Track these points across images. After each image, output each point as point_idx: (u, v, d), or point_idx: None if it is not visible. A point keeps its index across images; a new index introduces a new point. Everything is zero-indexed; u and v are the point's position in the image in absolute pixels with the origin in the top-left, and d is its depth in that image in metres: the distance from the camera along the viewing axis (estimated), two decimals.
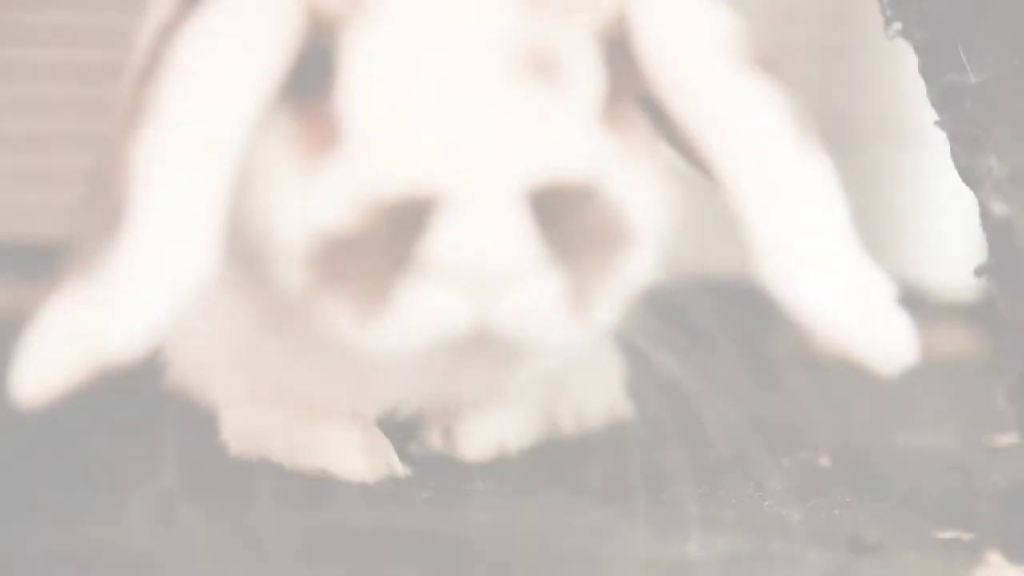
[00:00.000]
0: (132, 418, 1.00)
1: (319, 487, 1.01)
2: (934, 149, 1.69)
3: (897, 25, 1.04)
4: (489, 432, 1.10)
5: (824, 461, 1.15)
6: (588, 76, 0.84)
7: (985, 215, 0.96)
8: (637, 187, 0.85)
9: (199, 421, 1.07)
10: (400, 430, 1.08)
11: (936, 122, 1.00)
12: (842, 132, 1.75)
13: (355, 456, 1.03)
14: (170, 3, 0.88)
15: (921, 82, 1.01)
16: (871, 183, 1.78)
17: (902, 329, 0.85)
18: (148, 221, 0.78)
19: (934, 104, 1.00)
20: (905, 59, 1.02)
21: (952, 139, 1.00)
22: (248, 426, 1.06)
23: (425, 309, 0.80)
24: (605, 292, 0.83)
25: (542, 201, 0.79)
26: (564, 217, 0.80)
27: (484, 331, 0.81)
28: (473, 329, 0.82)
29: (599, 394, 1.21)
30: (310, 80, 0.84)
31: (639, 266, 0.86)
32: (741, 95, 0.85)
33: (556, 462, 1.10)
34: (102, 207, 0.80)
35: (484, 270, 0.79)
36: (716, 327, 1.53)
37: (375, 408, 1.05)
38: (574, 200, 0.81)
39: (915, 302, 1.60)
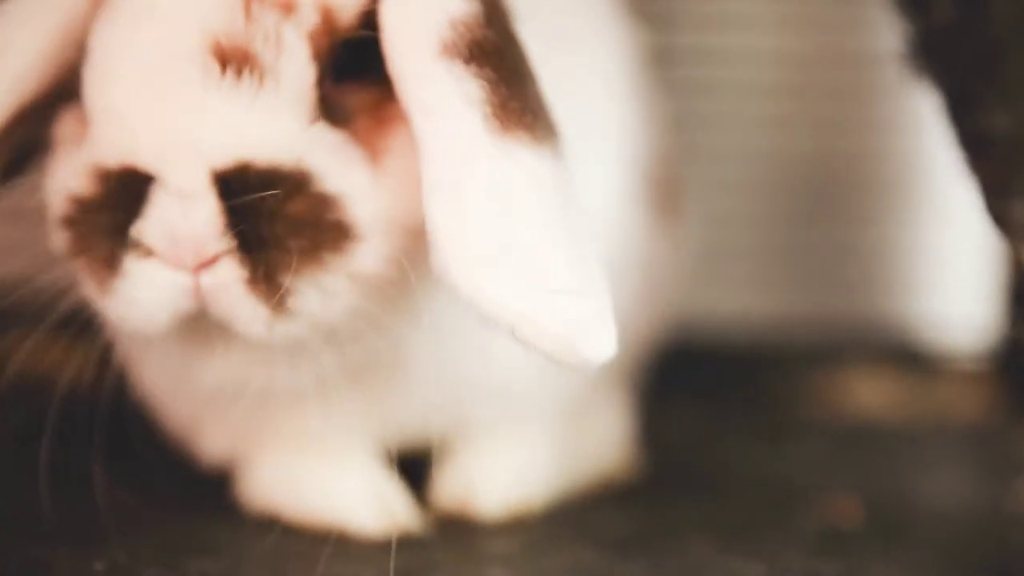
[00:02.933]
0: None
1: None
2: (949, 194, 1.73)
3: (921, 68, 1.03)
4: (506, 487, 1.07)
5: (848, 518, 1.12)
6: (291, 67, 0.87)
7: (1018, 261, 0.94)
8: (365, 183, 0.88)
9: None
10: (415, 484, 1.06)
11: (961, 167, 0.98)
12: (857, 175, 1.75)
13: (367, 511, 1.01)
14: None
15: (942, 125, 0.99)
16: (885, 229, 1.77)
17: (591, 326, 0.83)
18: None
19: (961, 148, 0.98)
20: (922, 101, 1.01)
21: (980, 184, 0.98)
22: (260, 481, 1.04)
23: (145, 281, 0.87)
24: (304, 283, 0.86)
25: (237, 185, 0.85)
26: (259, 203, 0.85)
27: (202, 308, 0.87)
28: (194, 305, 0.87)
29: (609, 446, 1.19)
30: None
31: (361, 260, 0.88)
32: (438, 85, 0.85)
33: (574, 517, 1.07)
34: None
35: (172, 247, 0.85)
36: (730, 384, 1.53)
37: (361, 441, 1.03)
38: (270, 186, 0.85)
39: (932, 356, 1.61)
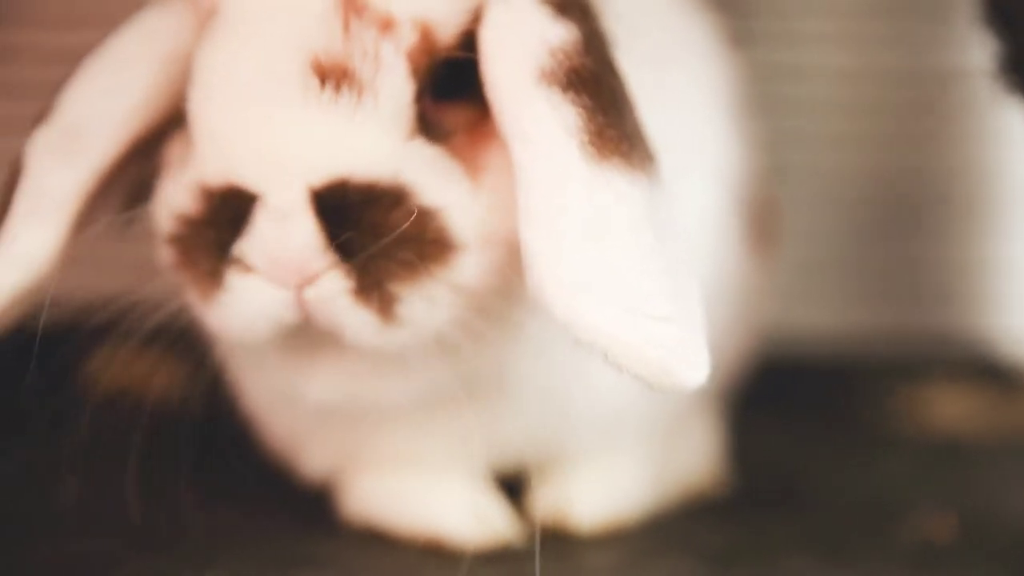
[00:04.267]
0: None
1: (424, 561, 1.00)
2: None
3: (1011, 85, 1.03)
4: (603, 501, 1.08)
5: (942, 533, 1.12)
6: (389, 84, 0.88)
7: None
8: (464, 196, 0.89)
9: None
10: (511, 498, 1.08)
11: None
12: (938, 190, 1.75)
13: (467, 523, 1.03)
14: None
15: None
16: (966, 244, 1.77)
17: (684, 351, 0.84)
18: (14, 208, 0.92)
19: None
20: (1000, 117, 1.02)
21: None
22: (360, 494, 1.06)
23: (248, 296, 0.88)
24: (411, 291, 0.88)
25: (334, 199, 0.86)
26: (361, 218, 0.86)
27: (307, 320, 0.88)
28: (298, 317, 0.88)
29: (701, 461, 1.20)
30: None
31: (461, 272, 0.89)
32: (536, 112, 0.86)
33: (670, 531, 1.08)
34: (3, 196, 0.94)
35: (277, 267, 0.87)
36: (813, 399, 1.53)
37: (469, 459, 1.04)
38: (368, 199, 0.86)
39: (1012, 370, 1.60)
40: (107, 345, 1.54)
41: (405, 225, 0.87)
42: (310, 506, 1.07)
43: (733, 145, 1.13)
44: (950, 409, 1.55)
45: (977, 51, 1.08)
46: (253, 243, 0.87)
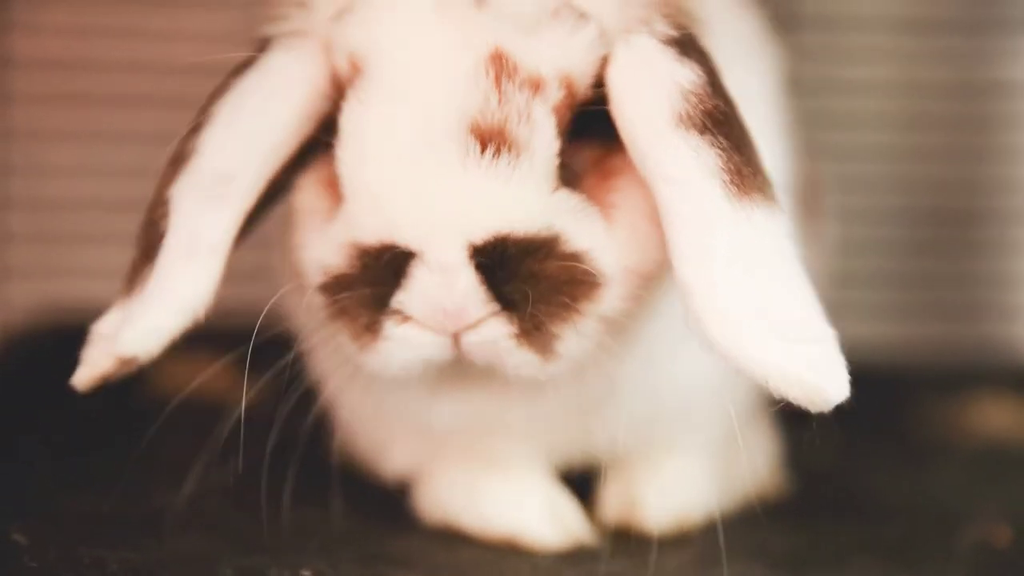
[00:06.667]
0: None
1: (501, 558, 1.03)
2: None
3: None
4: (671, 502, 1.12)
5: (999, 538, 1.15)
6: (540, 141, 0.92)
7: None
8: (603, 236, 0.94)
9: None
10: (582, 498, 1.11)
11: None
12: (982, 203, 1.77)
13: (542, 522, 1.06)
14: None
15: None
16: (1012, 256, 1.79)
17: (831, 370, 0.89)
18: (169, 250, 0.95)
19: None
20: None
21: None
22: (438, 493, 1.10)
23: (407, 342, 0.93)
24: (567, 329, 0.93)
25: (494, 254, 0.90)
26: (517, 267, 0.91)
27: (463, 357, 0.93)
28: (453, 356, 0.93)
29: (760, 466, 1.23)
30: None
31: (606, 304, 0.94)
32: (678, 157, 0.91)
33: (736, 535, 1.11)
34: (147, 238, 0.97)
35: (440, 317, 0.91)
36: (861, 408, 1.55)
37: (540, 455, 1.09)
38: (526, 252, 0.91)
39: None
40: (167, 349, 1.60)
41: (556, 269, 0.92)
42: (392, 505, 1.11)
43: (785, 136, 1.17)
44: (997, 418, 1.57)
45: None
46: (414, 296, 0.91)
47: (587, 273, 0.93)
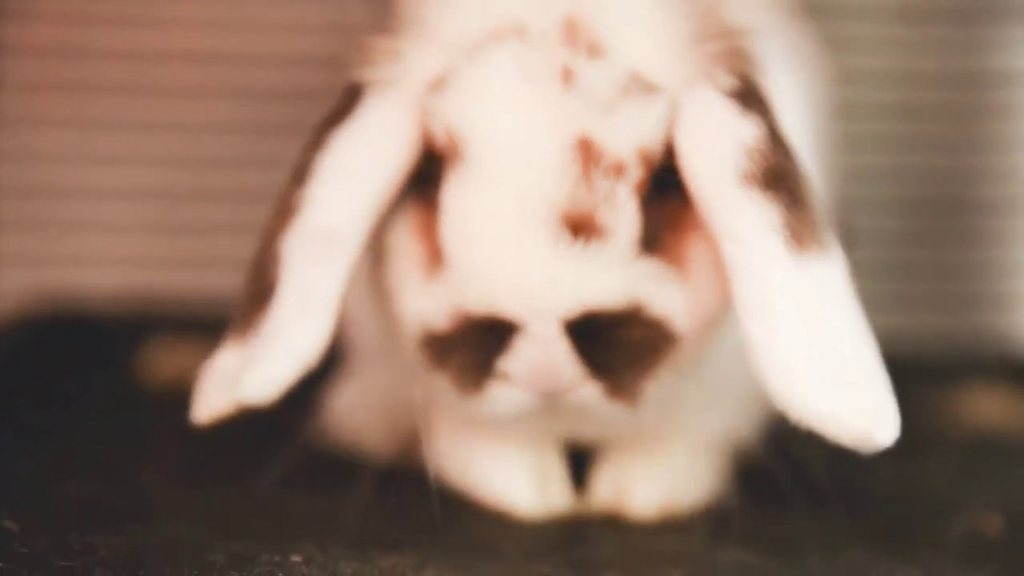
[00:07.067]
0: None
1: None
2: None
3: None
4: (661, 488, 1.13)
5: (990, 528, 1.15)
6: (624, 222, 0.98)
7: None
8: (680, 297, 1.00)
9: None
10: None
11: None
12: (976, 193, 1.77)
13: (528, 493, 1.10)
14: None
15: None
16: (1005, 247, 1.79)
17: (882, 415, 0.97)
18: (283, 301, 1.01)
19: None
20: None
21: None
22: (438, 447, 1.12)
23: (508, 400, 1.01)
24: (651, 383, 1.01)
25: (585, 326, 0.98)
26: (606, 337, 0.98)
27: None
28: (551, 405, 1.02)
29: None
30: (433, 188, 1.01)
31: (683, 355, 1.01)
32: (743, 214, 0.96)
33: (729, 522, 1.11)
34: (258, 285, 1.03)
35: (539, 383, 0.99)
36: None
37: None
38: (613, 323, 0.98)
39: None
40: (161, 337, 1.60)
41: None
42: (382, 491, 1.11)
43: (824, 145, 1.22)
44: (989, 408, 1.57)
45: (1022, 54, 1.11)
46: (516, 363, 0.99)
47: (668, 336, 1.00)
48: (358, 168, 1.01)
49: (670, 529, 1.09)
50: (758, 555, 1.04)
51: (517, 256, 0.96)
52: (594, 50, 0.98)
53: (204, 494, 1.09)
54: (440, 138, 0.99)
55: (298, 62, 1.74)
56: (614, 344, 0.99)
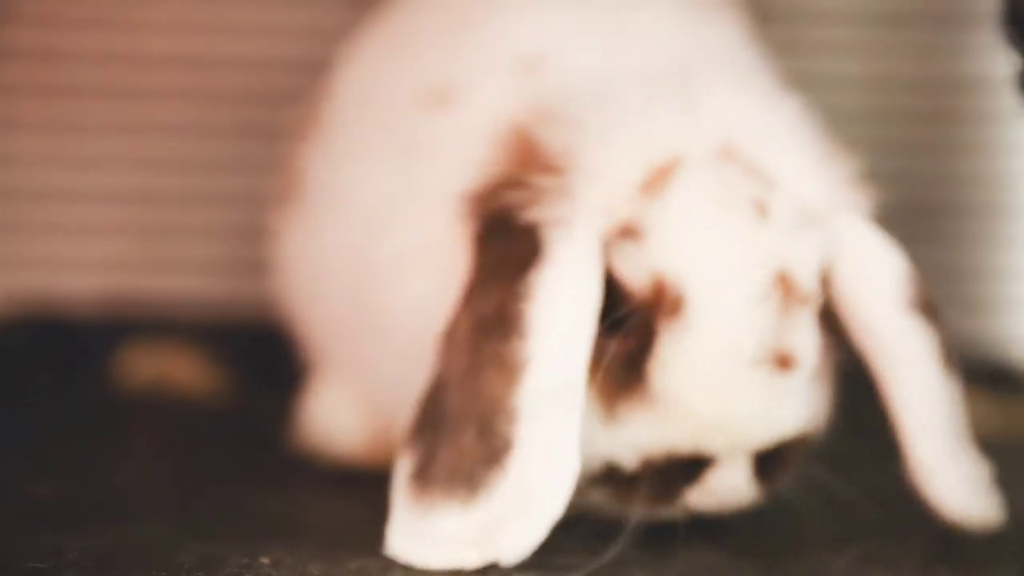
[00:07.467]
0: None
1: None
2: None
3: None
4: None
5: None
6: (811, 351, 1.02)
7: None
8: (822, 407, 1.08)
9: None
10: None
11: None
12: (951, 197, 1.78)
13: None
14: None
15: None
16: (980, 250, 1.79)
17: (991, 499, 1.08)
18: (528, 459, 0.97)
19: None
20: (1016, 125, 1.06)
21: None
22: None
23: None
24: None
25: (770, 454, 1.03)
26: (783, 459, 1.05)
27: None
28: None
29: None
30: (615, 325, 1.01)
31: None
32: (911, 339, 1.04)
33: (705, 526, 1.11)
34: (490, 443, 0.97)
35: (718, 507, 1.05)
36: (842, 401, 1.54)
37: None
38: (791, 447, 1.04)
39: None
40: (137, 341, 1.60)
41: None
42: (352, 494, 1.11)
43: None
44: (970, 414, 1.57)
45: (996, 59, 1.11)
46: (704, 493, 1.03)
47: (813, 441, 1.08)
48: (574, 319, 0.99)
49: (645, 534, 1.08)
50: (738, 559, 1.05)
51: (733, 397, 0.99)
52: (762, 177, 1.00)
53: (175, 496, 1.09)
54: (638, 284, 0.99)
55: (277, 66, 1.73)
56: (786, 464, 1.05)
